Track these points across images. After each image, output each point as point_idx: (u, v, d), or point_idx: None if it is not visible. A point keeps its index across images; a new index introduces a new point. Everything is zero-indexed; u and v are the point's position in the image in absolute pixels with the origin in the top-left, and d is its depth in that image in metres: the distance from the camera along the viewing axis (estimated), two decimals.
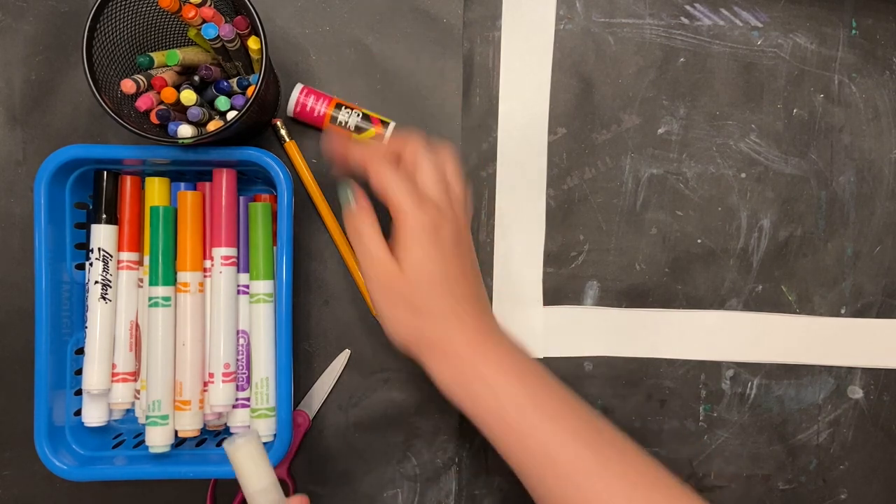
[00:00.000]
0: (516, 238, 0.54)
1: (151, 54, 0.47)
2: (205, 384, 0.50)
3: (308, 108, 0.52)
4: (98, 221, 0.49)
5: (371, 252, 0.43)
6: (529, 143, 0.54)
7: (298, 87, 0.52)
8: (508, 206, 0.54)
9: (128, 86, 0.45)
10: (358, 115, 0.52)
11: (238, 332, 0.50)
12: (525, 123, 0.54)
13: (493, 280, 0.54)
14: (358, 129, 0.52)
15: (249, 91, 0.46)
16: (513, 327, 0.54)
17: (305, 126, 0.54)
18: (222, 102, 0.48)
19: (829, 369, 0.55)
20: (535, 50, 0.54)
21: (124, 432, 0.52)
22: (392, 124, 0.53)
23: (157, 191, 0.50)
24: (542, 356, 0.54)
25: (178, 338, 0.49)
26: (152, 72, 0.47)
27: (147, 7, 0.46)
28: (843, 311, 0.55)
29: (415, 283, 0.42)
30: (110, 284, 0.49)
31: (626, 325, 0.54)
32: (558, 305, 0.54)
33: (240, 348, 0.50)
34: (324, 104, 0.52)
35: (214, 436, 0.52)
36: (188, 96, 0.46)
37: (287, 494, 0.54)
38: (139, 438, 0.51)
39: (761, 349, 0.54)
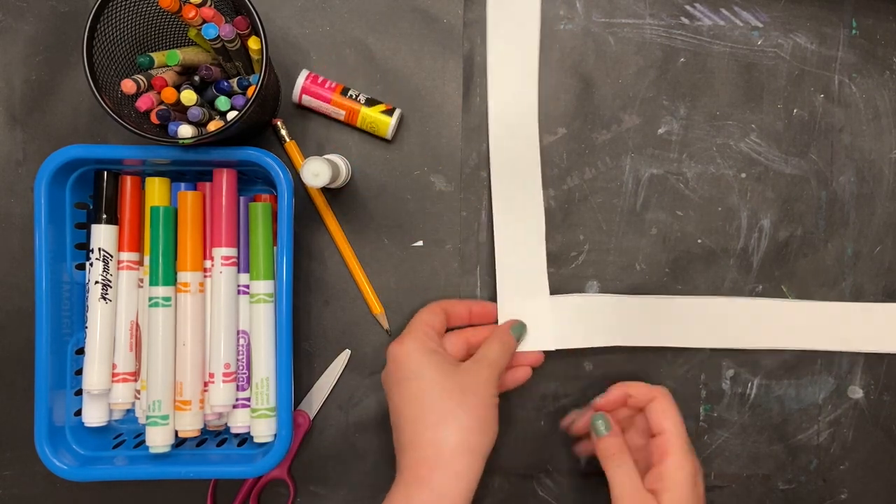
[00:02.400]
0: (517, 229, 0.53)
1: (151, 54, 0.47)
2: (205, 384, 0.50)
3: (313, 91, 0.52)
4: (98, 221, 0.49)
5: (633, 480, 0.46)
6: (521, 131, 0.53)
7: (304, 72, 0.52)
8: (506, 198, 0.53)
9: (128, 86, 0.45)
10: (364, 96, 0.52)
11: (238, 332, 0.50)
12: (514, 116, 0.53)
13: (496, 274, 0.53)
14: (369, 102, 0.52)
15: (250, 91, 0.46)
16: (521, 320, 0.53)
17: (308, 116, 0.54)
18: (222, 102, 0.48)
19: (829, 369, 0.55)
20: (521, 44, 0.53)
21: (124, 432, 0.52)
22: (398, 111, 0.52)
23: (157, 191, 0.50)
24: (553, 348, 0.53)
25: (178, 338, 0.49)
26: (152, 72, 0.47)
27: (147, 7, 0.46)
28: None
29: None
30: (110, 284, 0.49)
31: (634, 313, 0.53)
32: (565, 294, 0.54)
33: (240, 348, 0.50)
34: (330, 86, 0.52)
35: (214, 436, 0.52)
36: (188, 96, 0.46)
37: (287, 495, 0.54)
38: (139, 438, 0.51)
39: (767, 335, 0.54)
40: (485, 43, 0.54)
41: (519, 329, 0.52)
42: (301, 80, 0.52)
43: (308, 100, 0.52)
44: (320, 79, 0.52)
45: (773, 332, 0.54)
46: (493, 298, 0.54)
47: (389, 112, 0.52)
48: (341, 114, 0.52)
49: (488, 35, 0.54)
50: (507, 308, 0.53)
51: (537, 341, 0.53)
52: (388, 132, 0.52)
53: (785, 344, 0.54)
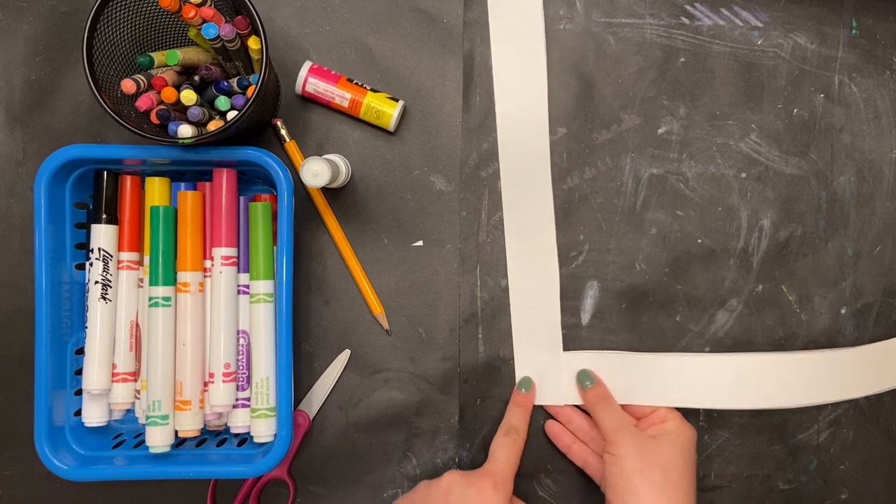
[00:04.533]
0: (532, 288, 0.54)
1: (151, 54, 0.47)
2: (205, 384, 0.50)
3: (319, 77, 0.52)
4: (98, 221, 0.49)
5: (622, 416, 0.51)
6: (530, 146, 0.54)
7: (308, 63, 0.52)
8: (522, 256, 0.54)
9: (128, 86, 0.45)
10: (368, 86, 0.52)
11: (238, 332, 0.50)
12: (525, 127, 0.54)
13: (511, 324, 0.54)
14: (374, 90, 0.52)
15: (249, 91, 0.46)
16: (533, 373, 0.54)
17: (309, 112, 0.54)
18: (222, 102, 0.48)
19: None
20: (527, 48, 0.53)
21: (124, 432, 0.52)
22: (402, 102, 0.53)
23: (157, 191, 0.50)
24: (562, 403, 0.54)
25: (178, 338, 0.49)
26: (152, 72, 0.47)
27: (147, 7, 0.46)
28: (843, 311, 0.55)
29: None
30: (110, 284, 0.49)
31: (645, 371, 0.53)
32: (578, 351, 0.54)
33: (240, 348, 0.50)
34: (334, 74, 0.52)
35: (214, 436, 0.52)
36: (188, 96, 0.46)
37: (287, 495, 0.54)
38: (139, 438, 0.51)
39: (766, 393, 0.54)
40: (485, 43, 0.54)
41: (526, 383, 0.54)
42: (305, 68, 0.52)
43: (314, 83, 0.52)
44: (324, 68, 0.52)
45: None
46: (493, 301, 0.54)
47: (394, 99, 0.52)
48: (346, 98, 0.52)
49: (492, 41, 0.54)
50: (524, 361, 0.54)
51: (551, 396, 0.54)
52: (392, 122, 0.52)
53: (784, 402, 0.54)
